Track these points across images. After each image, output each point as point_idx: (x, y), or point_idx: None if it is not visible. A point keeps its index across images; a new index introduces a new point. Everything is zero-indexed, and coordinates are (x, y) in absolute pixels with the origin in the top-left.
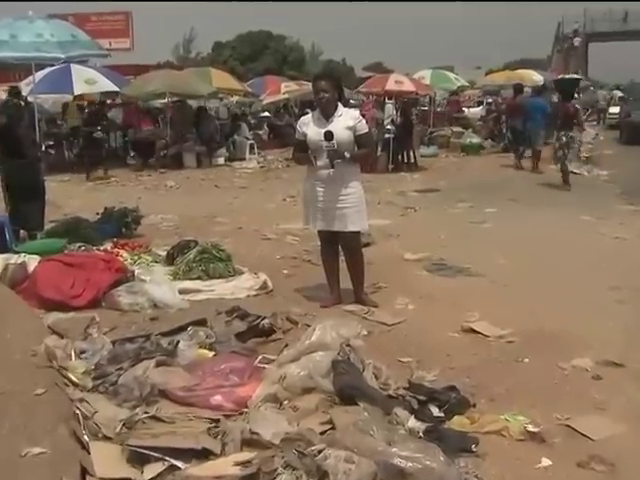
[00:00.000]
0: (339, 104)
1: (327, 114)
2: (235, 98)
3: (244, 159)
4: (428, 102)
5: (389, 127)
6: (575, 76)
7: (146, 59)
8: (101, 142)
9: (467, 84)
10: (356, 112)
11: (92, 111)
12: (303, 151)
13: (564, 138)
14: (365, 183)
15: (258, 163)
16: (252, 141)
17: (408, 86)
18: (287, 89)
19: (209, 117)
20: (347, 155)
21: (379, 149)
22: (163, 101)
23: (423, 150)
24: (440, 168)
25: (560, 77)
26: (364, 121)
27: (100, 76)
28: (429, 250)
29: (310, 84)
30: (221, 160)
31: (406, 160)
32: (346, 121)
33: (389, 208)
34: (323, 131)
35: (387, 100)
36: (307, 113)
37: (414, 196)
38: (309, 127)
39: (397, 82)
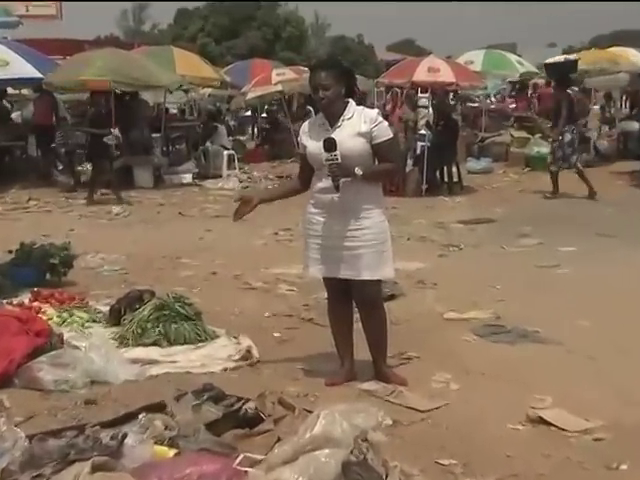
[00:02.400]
0: (350, 102)
1: (332, 117)
2: (207, 90)
3: (220, 176)
4: (479, 96)
5: (423, 132)
6: (571, 57)
7: (81, 32)
8: (12, 152)
9: (536, 70)
10: (373, 112)
11: None
12: (308, 172)
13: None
14: (389, 211)
15: (240, 182)
16: (232, 151)
17: (446, 75)
18: (281, 78)
19: (138, 110)
20: (358, 172)
21: (409, 163)
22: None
23: (471, 164)
24: (495, 189)
25: (552, 61)
26: (385, 124)
27: (12, 55)
28: (479, 306)
29: None
30: (187, 177)
31: (447, 178)
32: (358, 125)
33: (423, 246)
34: (322, 140)
35: (420, 93)
36: (309, 113)
37: (458, 229)
38: (308, 136)
39: (431, 70)
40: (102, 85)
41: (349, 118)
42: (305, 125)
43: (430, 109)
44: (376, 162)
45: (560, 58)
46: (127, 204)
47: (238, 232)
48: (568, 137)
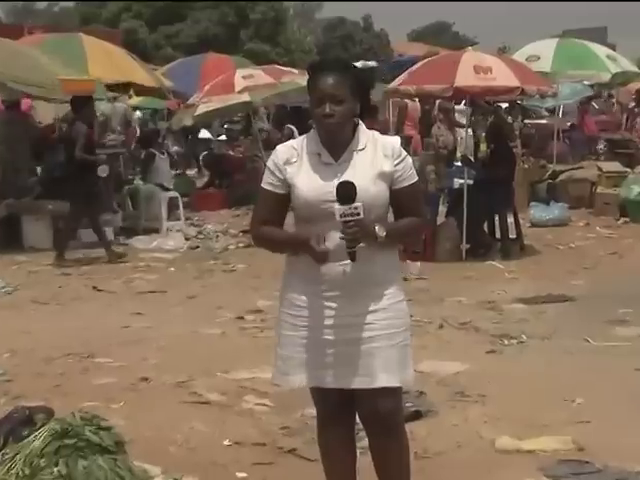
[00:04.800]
0: (360, 124)
1: (336, 146)
2: (136, 100)
3: (157, 230)
4: (544, 109)
5: (458, 164)
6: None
7: None
8: None
9: (637, 69)
10: (393, 141)
11: None
12: (278, 222)
13: None
14: (411, 283)
15: (186, 239)
16: (175, 192)
17: (503, 77)
18: (248, 83)
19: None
20: (381, 233)
21: (441, 210)
22: None
23: (537, 212)
24: (574, 251)
25: None
26: (410, 160)
27: None
28: (551, 431)
29: (298, 72)
30: (108, 232)
31: (499, 234)
32: (376, 160)
33: (464, 337)
34: (335, 183)
35: (456, 105)
36: (290, 134)
37: (517, 311)
38: (299, 172)
39: (479, 70)
40: None
41: (361, 149)
42: (284, 151)
43: (469, 130)
44: (390, 215)
45: None
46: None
47: (183, 316)
48: None
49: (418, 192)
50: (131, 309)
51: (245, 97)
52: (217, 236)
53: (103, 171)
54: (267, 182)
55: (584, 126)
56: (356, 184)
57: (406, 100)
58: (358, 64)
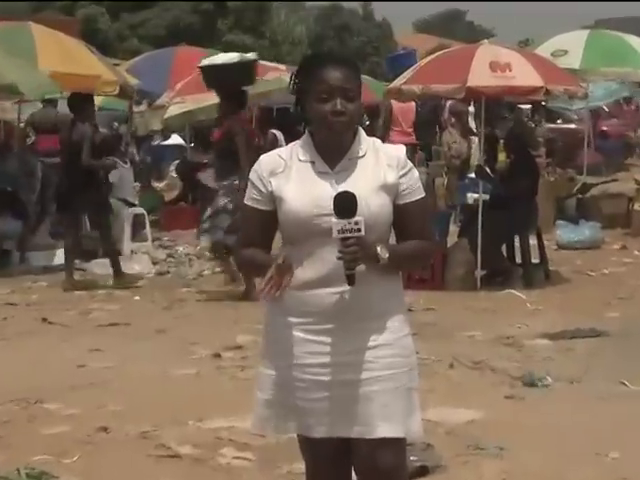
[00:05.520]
0: (359, 130)
1: (333, 151)
2: (97, 100)
3: (119, 253)
4: (572, 111)
5: (471, 176)
6: None
7: None
8: None
9: None
10: (398, 149)
11: None
12: (265, 244)
13: None
14: (417, 315)
15: (154, 264)
16: (140, 209)
17: (525, 75)
18: None
19: None
20: (383, 254)
21: (452, 230)
22: None
23: (564, 233)
24: (608, 278)
25: None
26: (416, 172)
27: None
28: None
29: (285, 68)
30: (58, 256)
31: (520, 258)
32: (379, 169)
33: (478, 379)
34: (331, 193)
35: (469, 106)
36: (274, 140)
37: (541, 349)
38: (287, 184)
39: (496, 66)
40: None
41: (362, 156)
42: (269, 161)
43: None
44: (392, 236)
45: None
46: None
47: (150, 353)
48: None
49: (425, 210)
50: (88, 345)
51: None
52: (190, 260)
53: (114, 177)
54: (250, 197)
55: (621, 130)
56: (357, 195)
57: (391, 100)
58: (233, 57)
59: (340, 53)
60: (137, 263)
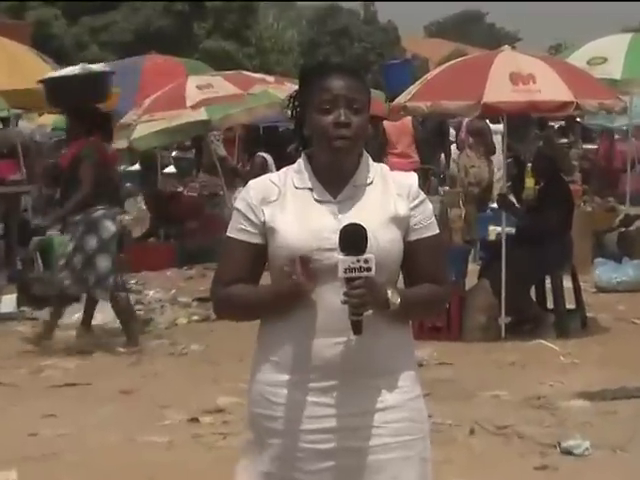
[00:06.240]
0: (364, 153)
1: (335, 178)
2: (49, 119)
3: (77, 299)
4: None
5: (494, 206)
6: None
7: None
8: None
9: None
10: (410, 177)
11: None
12: (252, 279)
13: None
14: (429, 370)
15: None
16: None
17: (552, 89)
18: (206, 95)
19: None
20: (394, 300)
21: (469, 269)
22: None
23: (603, 272)
24: None
25: None
26: (430, 206)
27: None
28: None
29: (273, 80)
30: (6, 303)
31: (551, 303)
32: (388, 199)
33: (502, 448)
34: (334, 225)
35: (491, 123)
36: (262, 164)
37: (578, 411)
38: (281, 213)
39: (517, 78)
40: None
41: (369, 183)
42: (259, 188)
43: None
44: (400, 278)
45: None
46: None
47: (114, 418)
48: None
49: (440, 248)
50: (40, 410)
51: (201, 114)
52: (162, 306)
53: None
54: (237, 229)
55: (613, 157)
56: (366, 228)
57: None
58: (75, 69)
59: (346, 61)
60: (99, 311)
